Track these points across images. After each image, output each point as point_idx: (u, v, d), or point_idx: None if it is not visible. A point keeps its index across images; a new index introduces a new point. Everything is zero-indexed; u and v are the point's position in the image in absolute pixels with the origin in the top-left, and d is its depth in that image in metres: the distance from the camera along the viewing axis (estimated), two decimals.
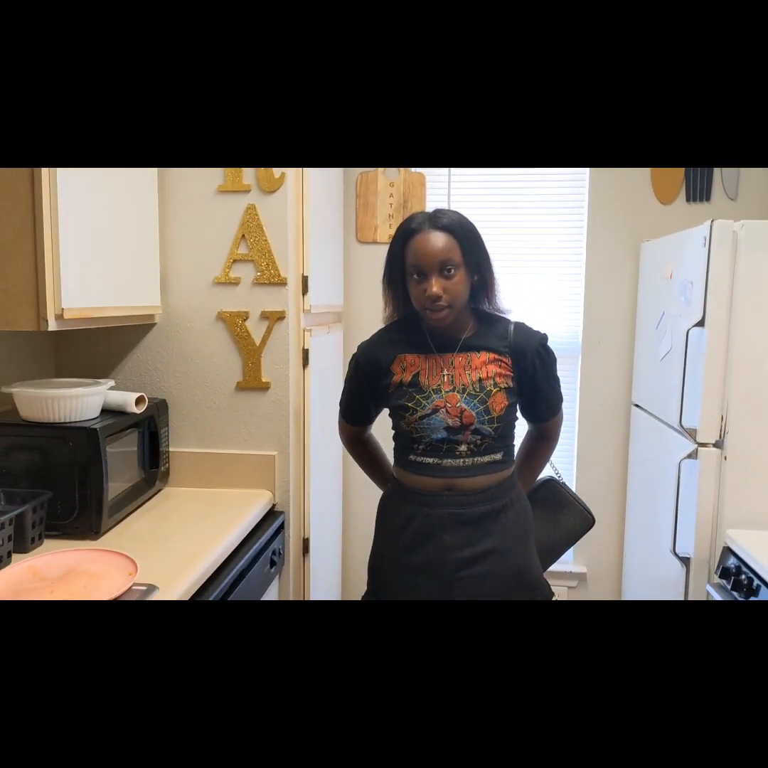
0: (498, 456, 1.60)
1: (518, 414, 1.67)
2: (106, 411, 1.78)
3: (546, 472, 1.84)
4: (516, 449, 1.70)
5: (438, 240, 1.49)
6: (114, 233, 1.71)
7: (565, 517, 1.82)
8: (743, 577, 1.67)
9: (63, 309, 1.47)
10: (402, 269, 1.57)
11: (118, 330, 2.03)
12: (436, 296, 1.49)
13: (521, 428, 1.72)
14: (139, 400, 1.82)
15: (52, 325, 1.46)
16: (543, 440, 1.75)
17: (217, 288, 2.01)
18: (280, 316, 2.00)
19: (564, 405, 1.72)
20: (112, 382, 1.80)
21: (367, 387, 1.68)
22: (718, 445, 1.86)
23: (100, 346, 2.06)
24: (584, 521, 1.83)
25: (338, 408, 1.81)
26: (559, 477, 1.85)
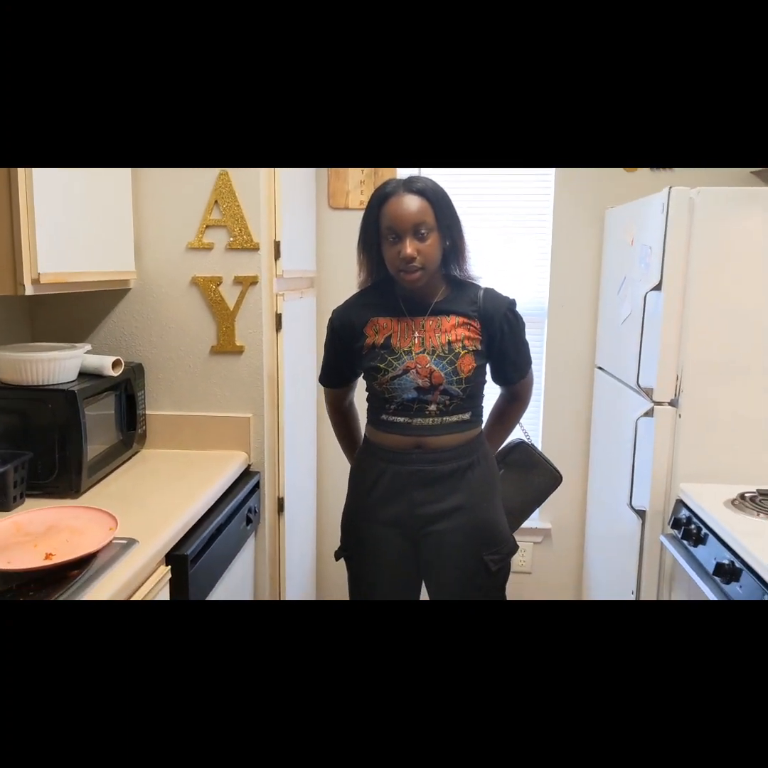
0: (466, 416, 1.67)
1: (488, 377, 1.73)
2: (83, 374, 1.83)
3: (516, 435, 1.92)
4: (485, 411, 1.77)
5: (412, 203, 1.55)
6: (88, 198, 1.74)
7: (536, 477, 1.91)
8: (692, 526, 1.78)
9: (39, 274, 1.50)
10: (377, 233, 1.61)
11: (94, 295, 2.06)
12: (410, 257, 1.54)
13: (492, 391, 1.79)
14: (115, 364, 1.87)
15: (29, 290, 1.49)
16: (513, 401, 1.82)
17: (190, 253, 2.04)
18: (253, 281, 2.04)
19: (532, 368, 1.79)
20: (88, 346, 1.84)
21: (341, 350, 1.74)
22: (673, 403, 1.95)
23: (75, 312, 2.09)
24: (553, 480, 1.93)
25: (313, 371, 1.87)
26: (528, 439, 1.94)
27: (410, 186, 1.56)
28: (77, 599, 1.21)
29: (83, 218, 1.71)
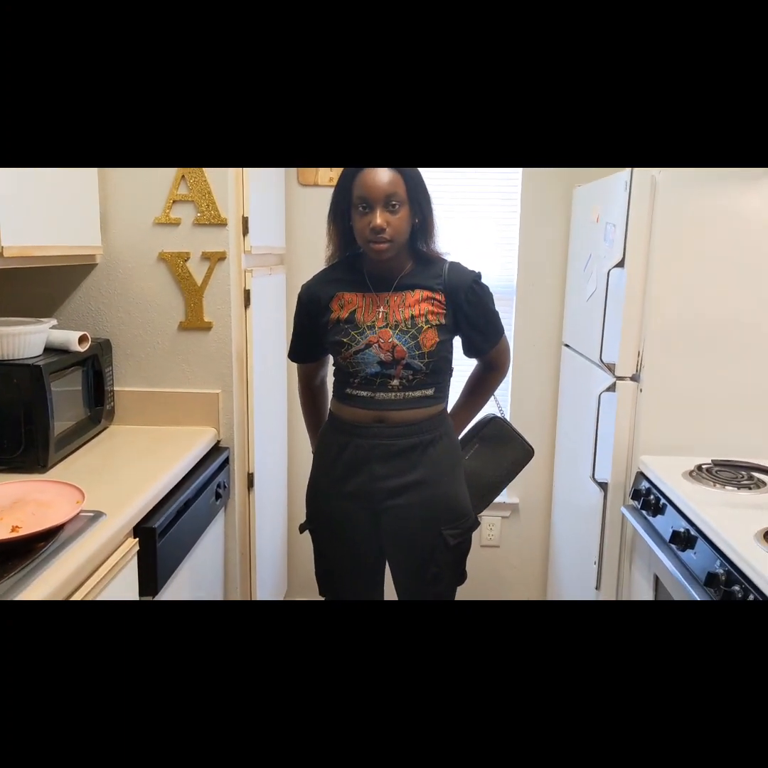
0: (429, 391, 1.68)
1: (457, 353, 1.74)
2: (49, 350, 1.82)
3: (491, 409, 1.94)
4: (450, 387, 1.78)
5: (385, 175, 1.55)
6: (52, 171, 1.72)
7: (509, 451, 1.93)
8: (652, 497, 1.83)
9: (3, 247, 1.49)
10: (348, 204, 1.62)
11: (59, 270, 2.04)
12: (379, 227, 1.55)
13: (460, 369, 1.80)
14: (82, 339, 1.86)
15: None
16: (490, 370, 1.83)
17: (157, 228, 2.03)
18: (220, 257, 2.04)
19: (505, 337, 1.80)
20: (54, 321, 1.83)
21: (308, 324, 1.76)
22: (634, 378, 2.00)
23: (40, 287, 2.07)
24: (526, 453, 1.94)
25: (283, 348, 1.88)
26: (501, 414, 1.96)
27: None
28: (44, 571, 1.22)
29: (47, 192, 1.69)
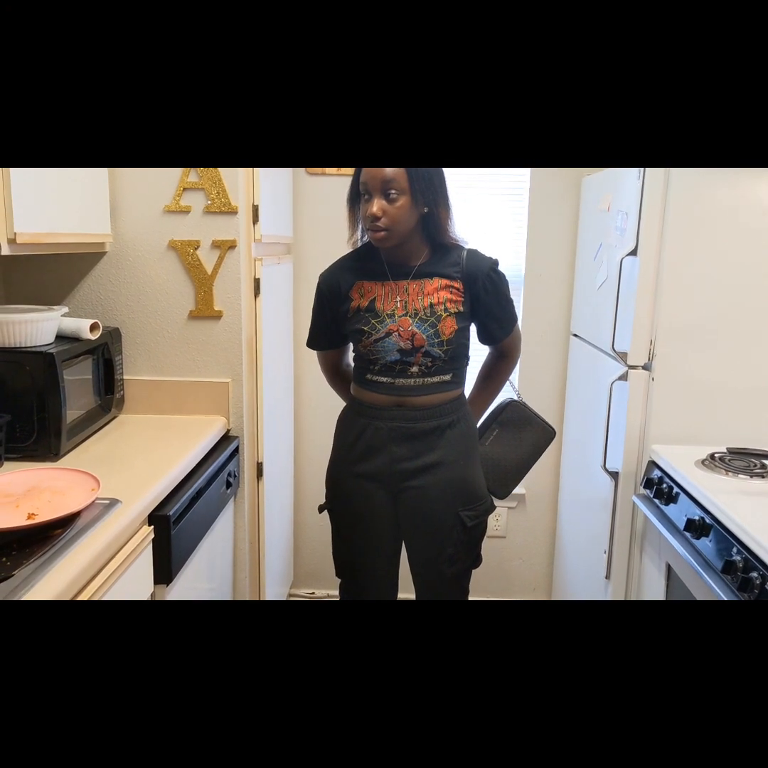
0: (447, 377, 1.70)
1: (472, 338, 1.76)
2: (60, 338, 1.81)
3: (507, 394, 1.95)
4: (467, 373, 1.79)
5: None
6: None
7: (530, 433, 1.94)
8: (664, 486, 1.83)
9: (16, 233, 1.48)
10: (355, 191, 1.65)
11: (69, 258, 2.03)
12: (374, 216, 1.57)
13: (476, 354, 1.81)
14: (93, 327, 1.85)
15: (5, 250, 1.47)
16: (502, 358, 1.84)
17: (167, 216, 2.02)
18: (231, 245, 2.03)
19: (518, 325, 1.82)
20: (65, 309, 1.82)
21: (329, 312, 1.77)
22: (646, 367, 1.99)
23: (50, 275, 2.06)
24: (546, 434, 1.95)
25: (290, 337, 1.88)
26: (519, 397, 1.96)
27: None
28: (62, 558, 1.22)
29: (58, 178, 1.68)
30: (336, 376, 1.92)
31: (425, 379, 1.68)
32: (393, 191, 1.56)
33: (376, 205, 1.57)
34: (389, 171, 1.56)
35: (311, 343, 1.88)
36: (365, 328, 1.67)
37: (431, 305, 1.65)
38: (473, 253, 1.70)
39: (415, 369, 1.67)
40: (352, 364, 1.83)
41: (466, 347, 1.74)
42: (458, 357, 1.71)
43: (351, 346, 1.82)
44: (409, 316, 1.65)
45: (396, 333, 1.65)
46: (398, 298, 1.66)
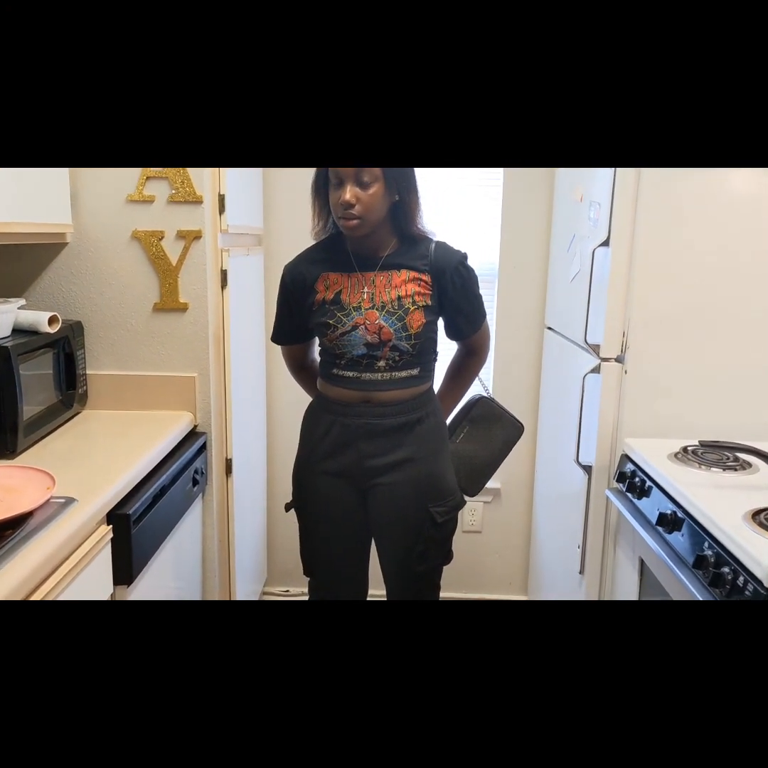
0: (415, 371, 1.67)
1: (440, 332, 1.73)
2: (18, 331, 1.75)
3: (476, 390, 1.92)
4: (436, 366, 1.76)
5: None
6: None
7: (500, 430, 1.92)
8: (637, 479, 1.81)
9: None
10: (324, 179, 1.60)
11: (28, 249, 1.97)
12: (348, 203, 1.53)
13: (445, 349, 1.78)
14: (51, 320, 1.79)
15: None
16: (470, 356, 1.82)
17: (130, 206, 1.97)
18: (196, 236, 1.98)
19: (487, 321, 1.80)
20: (22, 301, 1.76)
21: (294, 305, 1.72)
22: (619, 359, 1.97)
23: (8, 267, 2.00)
24: (516, 430, 1.94)
25: (261, 331, 1.84)
26: (488, 393, 1.94)
27: None
28: (12, 559, 1.17)
29: (15, 168, 1.62)
30: (301, 371, 1.88)
31: (393, 374, 1.64)
32: (366, 178, 1.52)
33: (349, 192, 1.52)
34: None
35: (276, 338, 1.83)
36: (331, 322, 1.63)
37: (399, 298, 1.61)
38: (442, 246, 1.67)
39: (382, 363, 1.63)
40: (318, 359, 1.79)
41: (434, 342, 1.70)
42: (426, 351, 1.68)
43: (317, 340, 1.78)
44: (376, 309, 1.61)
45: (363, 326, 1.61)
46: (365, 290, 1.62)
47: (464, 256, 1.68)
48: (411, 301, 1.61)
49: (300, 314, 1.72)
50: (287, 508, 1.83)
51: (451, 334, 1.77)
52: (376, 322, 1.60)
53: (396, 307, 1.61)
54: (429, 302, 1.63)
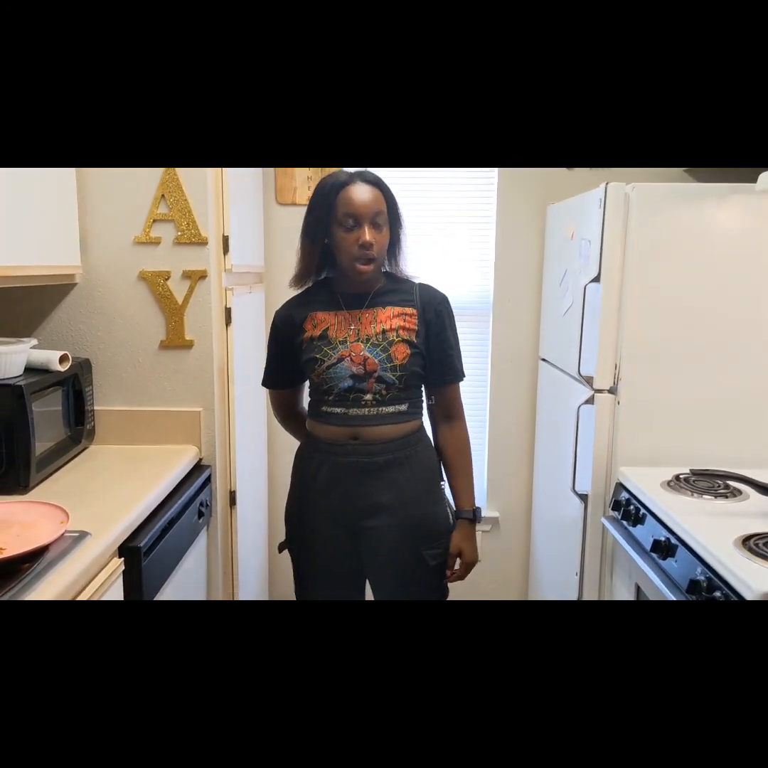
0: (403, 407, 1.67)
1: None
2: (30, 370, 1.80)
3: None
4: (424, 403, 1.76)
5: (371, 192, 1.58)
6: (31, 189, 1.72)
7: None
8: (631, 507, 1.86)
9: None
10: (328, 221, 1.60)
11: (39, 290, 2.03)
12: (369, 243, 1.56)
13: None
14: (62, 359, 1.85)
15: None
16: (446, 421, 1.77)
17: (137, 247, 2.04)
18: (201, 275, 2.05)
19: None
20: (34, 341, 1.82)
21: (285, 346, 1.76)
22: (612, 390, 2.03)
23: (20, 307, 2.06)
24: None
25: (262, 366, 1.87)
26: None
27: (365, 176, 1.61)
28: (30, 592, 1.21)
29: (26, 211, 1.69)
30: (289, 419, 1.90)
31: (380, 408, 1.65)
32: (380, 220, 1.58)
33: (369, 233, 1.56)
34: (375, 200, 1.57)
35: (266, 381, 1.86)
36: (317, 356, 1.65)
37: (383, 331, 1.64)
38: (425, 286, 1.72)
39: (369, 397, 1.64)
40: (306, 407, 1.81)
41: (421, 377, 1.70)
42: (412, 386, 1.68)
43: (306, 388, 1.81)
44: (361, 342, 1.64)
45: (348, 358, 1.63)
46: (352, 327, 1.66)
47: (446, 298, 1.72)
48: (395, 333, 1.64)
49: (290, 354, 1.74)
50: (281, 548, 1.84)
51: (434, 377, 1.72)
52: (361, 353, 1.62)
53: (380, 339, 1.63)
54: (414, 338, 1.65)
